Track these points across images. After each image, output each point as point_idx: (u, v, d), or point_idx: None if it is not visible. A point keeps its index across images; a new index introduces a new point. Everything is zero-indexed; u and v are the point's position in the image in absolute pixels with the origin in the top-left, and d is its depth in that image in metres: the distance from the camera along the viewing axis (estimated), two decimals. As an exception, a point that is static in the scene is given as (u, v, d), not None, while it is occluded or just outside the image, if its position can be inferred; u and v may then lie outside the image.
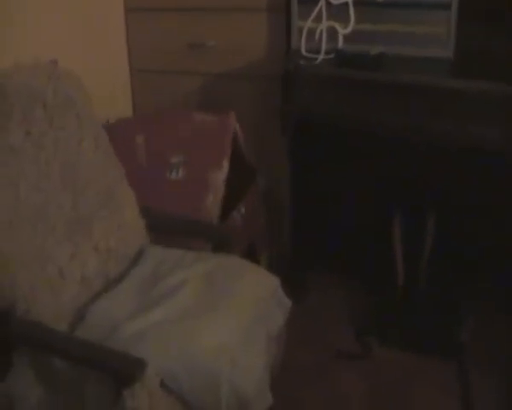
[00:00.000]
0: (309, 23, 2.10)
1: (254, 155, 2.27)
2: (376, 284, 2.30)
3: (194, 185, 2.02)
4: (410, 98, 1.84)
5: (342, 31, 2.07)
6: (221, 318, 1.48)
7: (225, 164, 2.02)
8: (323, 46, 2.07)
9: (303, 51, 2.09)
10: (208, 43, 2.36)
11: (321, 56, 2.04)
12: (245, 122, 2.26)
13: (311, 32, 2.10)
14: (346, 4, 2.06)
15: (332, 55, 2.05)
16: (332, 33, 2.08)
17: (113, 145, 2.22)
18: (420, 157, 2.12)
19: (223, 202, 2.03)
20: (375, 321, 2.22)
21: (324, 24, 2.08)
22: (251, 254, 2.20)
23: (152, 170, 2.12)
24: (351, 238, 2.31)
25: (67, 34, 2.17)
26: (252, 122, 2.34)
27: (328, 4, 2.07)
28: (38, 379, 1.46)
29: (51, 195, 1.61)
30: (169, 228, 1.87)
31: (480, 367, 1.99)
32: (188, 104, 2.47)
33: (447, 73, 1.99)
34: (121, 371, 1.33)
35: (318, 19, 2.09)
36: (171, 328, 1.43)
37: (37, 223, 1.55)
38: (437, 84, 1.84)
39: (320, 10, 2.09)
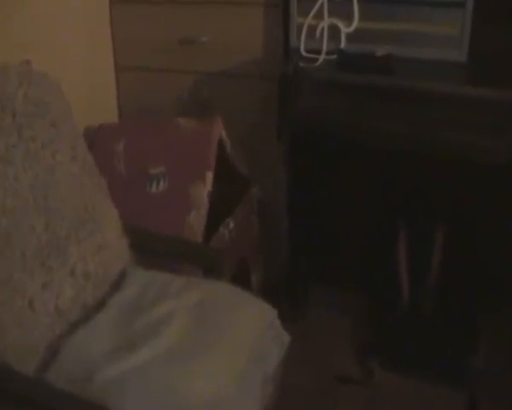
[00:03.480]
0: (309, 20, 1.92)
1: (249, 163, 2.10)
2: (380, 302, 2.15)
3: (175, 200, 1.86)
4: (419, 106, 1.67)
5: (345, 29, 1.89)
6: (213, 360, 1.32)
7: (209, 176, 1.85)
8: (325, 46, 1.89)
9: (302, 51, 1.91)
10: (200, 39, 2.17)
11: (322, 57, 1.86)
12: (239, 126, 2.10)
13: (312, 30, 1.92)
14: (350, 0, 1.87)
15: (334, 56, 1.87)
16: (334, 32, 1.90)
17: (93, 153, 2.07)
18: (428, 168, 1.94)
19: (211, 216, 1.86)
20: (378, 342, 2.07)
21: (326, 21, 1.90)
22: (242, 271, 2.04)
23: (131, 181, 1.95)
24: (353, 252, 2.15)
25: (44, 28, 1.98)
26: (246, 126, 2.17)
27: (330, -1, 1.89)
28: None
29: (20, 216, 1.43)
30: (154, 249, 1.70)
31: (493, 398, 1.84)
32: (177, 105, 2.28)
33: (460, 78, 1.81)
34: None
35: (319, 15, 1.91)
36: (155, 374, 1.26)
37: (4, 250, 1.37)
38: (451, 92, 1.67)
39: (321, 6, 1.90)
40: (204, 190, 1.84)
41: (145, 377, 1.25)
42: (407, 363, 1.97)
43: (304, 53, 1.90)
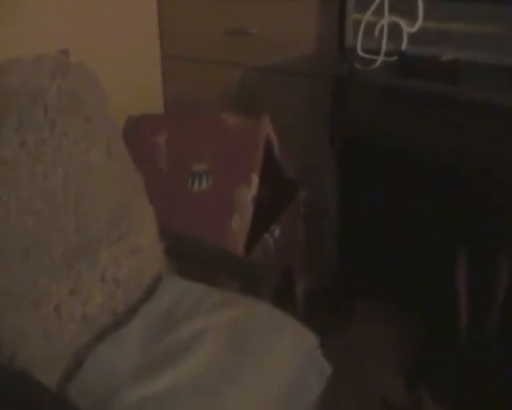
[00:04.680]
0: (367, 16, 1.77)
1: (296, 165, 1.97)
2: (434, 325, 1.98)
3: (218, 201, 1.74)
4: (490, 122, 1.50)
5: (407, 28, 1.74)
6: (246, 391, 1.20)
7: (255, 179, 1.73)
8: (384, 46, 1.74)
9: (359, 51, 1.76)
10: (249, 30, 2.05)
11: (380, 58, 1.71)
12: (286, 126, 1.97)
13: (370, 28, 1.77)
14: (414, -5, 1.72)
15: (394, 58, 1.72)
16: (395, 31, 1.75)
17: (133, 145, 1.98)
18: (495, 191, 1.75)
19: (255, 221, 1.74)
20: (429, 370, 1.90)
21: (386, 19, 1.75)
22: (286, 282, 1.92)
23: (172, 176, 1.84)
24: (407, 266, 1.98)
25: (88, 15, 1.89)
26: (294, 126, 2.05)
27: (392, -5, 1.74)
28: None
29: (49, 216, 1.34)
30: (190, 256, 1.59)
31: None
32: (223, 99, 2.18)
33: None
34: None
35: (379, 12, 1.76)
36: (176, 405, 1.16)
37: (31, 252, 1.29)
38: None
39: (382, 2, 1.75)
40: (249, 193, 1.72)
41: (165, 408, 1.15)
42: (461, 397, 1.79)
43: (360, 53, 1.76)
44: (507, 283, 1.81)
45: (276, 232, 1.83)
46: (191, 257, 1.60)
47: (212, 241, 1.64)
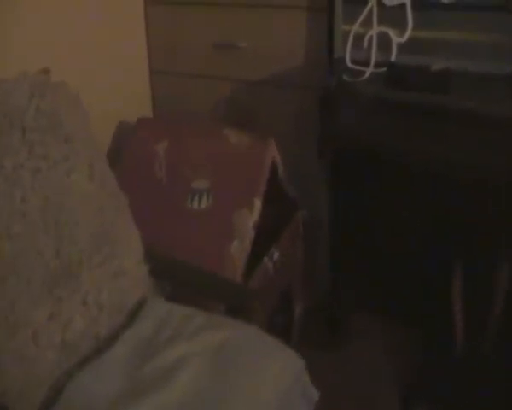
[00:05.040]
0: (356, 27, 1.72)
1: (292, 181, 1.93)
2: (431, 339, 1.92)
3: (218, 224, 1.68)
4: (481, 133, 1.45)
5: (397, 38, 1.69)
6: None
7: (257, 204, 1.67)
8: (373, 57, 1.69)
9: (348, 62, 1.72)
10: (238, 44, 2.01)
11: (369, 70, 1.67)
12: (280, 140, 1.93)
13: (359, 39, 1.72)
14: (403, 6, 1.67)
15: (383, 69, 1.67)
16: (384, 41, 1.70)
17: (130, 151, 1.93)
18: (490, 200, 1.71)
19: (253, 246, 1.68)
20: (427, 385, 1.84)
21: (375, 29, 1.70)
22: (285, 302, 1.87)
23: (171, 190, 1.79)
24: (402, 281, 1.93)
25: (77, 30, 1.86)
26: (287, 140, 1.99)
27: (381, 5, 1.68)
28: None
29: (27, 241, 1.31)
30: (177, 279, 1.55)
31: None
32: (214, 113, 2.13)
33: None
34: None
35: (368, 23, 1.71)
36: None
37: (7, 278, 1.25)
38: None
39: (370, 12, 1.70)
40: (250, 219, 1.66)
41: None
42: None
43: (349, 64, 1.72)
44: (507, 286, 1.75)
45: (276, 255, 1.77)
46: (177, 280, 1.55)
47: (210, 265, 1.59)
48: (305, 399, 1.31)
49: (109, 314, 1.44)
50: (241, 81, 2.06)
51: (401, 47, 1.70)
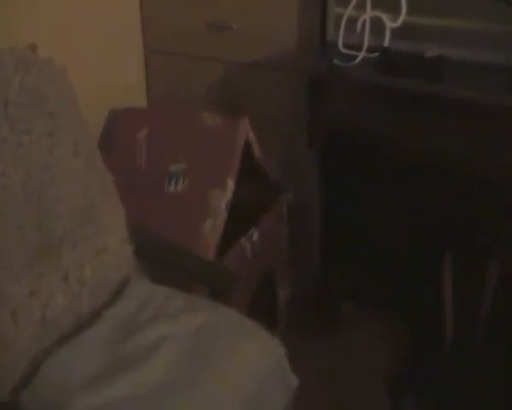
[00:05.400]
0: (349, 11, 1.69)
1: (282, 166, 1.91)
2: (420, 331, 1.90)
3: (193, 204, 1.69)
4: (473, 121, 1.43)
5: (390, 23, 1.67)
6: (205, 398, 1.16)
7: (230, 184, 1.67)
8: (366, 42, 1.67)
9: (340, 46, 1.70)
10: (231, 25, 1.99)
11: (361, 54, 1.65)
12: (270, 123, 1.92)
13: (352, 23, 1.70)
14: (398, -10, 1.65)
15: (376, 55, 1.65)
16: (378, 26, 1.68)
17: (114, 139, 1.94)
18: (482, 193, 1.67)
19: (231, 226, 1.68)
20: (414, 378, 1.83)
21: (368, 13, 1.68)
22: (267, 286, 1.86)
23: (150, 175, 1.80)
24: (392, 272, 1.90)
25: (70, 9, 1.84)
26: (278, 124, 1.98)
27: (375, -12, 1.67)
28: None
29: (8, 216, 1.30)
30: (159, 259, 1.54)
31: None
32: (205, 95, 2.11)
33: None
34: None
35: (361, 6, 1.68)
36: (133, 410, 1.12)
37: (-14, 253, 1.25)
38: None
39: (364, -5, 1.68)
40: (223, 198, 1.66)
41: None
42: (447, 407, 1.72)
43: (341, 49, 1.69)
44: (496, 283, 1.73)
45: (255, 236, 1.77)
46: (161, 260, 1.55)
47: (185, 244, 1.59)
48: (284, 386, 1.30)
49: (91, 292, 1.43)
50: (234, 63, 2.04)
51: (395, 32, 1.68)
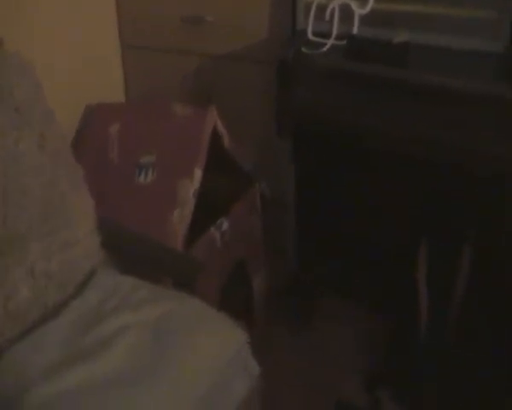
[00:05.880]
0: (319, -1, 1.69)
1: (257, 157, 1.90)
2: (395, 323, 1.89)
3: (162, 195, 1.69)
4: (439, 107, 1.42)
5: (359, 10, 1.66)
6: (165, 387, 1.15)
7: (197, 173, 1.67)
8: (335, 29, 1.66)
9: (309, 34, 1.69)
10: (205, 18, 1.99)
11: (330, 42, 1.64)
12: (244, 114, 1.92)
13: (322, 11, 1.69)
14: (366, -23, 1.64)
15: (344, 42, 1.64)
16: (347, 13, 1.67)
17: (87, 134, 1.96)
18: (454, 179, 1.66)
19: (200, 215, 1.68)
20: (389, 369, 1.82)
21: (337, 0, 1.67)
22: (240, 275, 1.86)
23: (121, 168, 1.80)
24: (368, 263, 1.90)
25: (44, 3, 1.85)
26: (252, 115, 1.98)
27: (344, -24, 1.65)
28: None
29: (-30, 209, 1.30)
30: (128, 251, 1.54)
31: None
32: (181, 88, 2.12)
33: (495, 74, 1.55)
34: None
35: (331, -6, 1.68)
36: (88, 401, 1.11)
37: None
38: (480, 91, 1.41)
39: (334, -17, 1.67)
40: (190, 187, 1.67)
41: (76, 404, 1.10)
42: (422, 399, 1.71)
43: (311, 36, 1.68)
44: (469, 271, 1.72)
45: (225, 226, 1.77)
46: (127, 250, 1.54)
47: (154, 235, 1.59)
48: (245, 374, 1.29)
49: (58, 284, 1.43)
50: (209, 55, 2.04)
51: (364, 19, 1.67)
